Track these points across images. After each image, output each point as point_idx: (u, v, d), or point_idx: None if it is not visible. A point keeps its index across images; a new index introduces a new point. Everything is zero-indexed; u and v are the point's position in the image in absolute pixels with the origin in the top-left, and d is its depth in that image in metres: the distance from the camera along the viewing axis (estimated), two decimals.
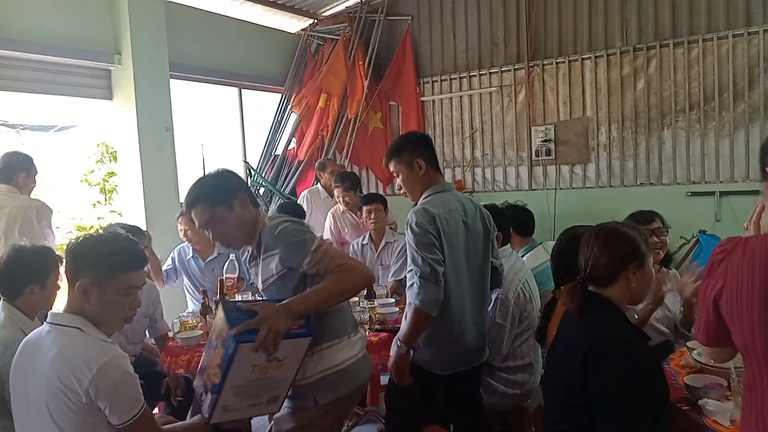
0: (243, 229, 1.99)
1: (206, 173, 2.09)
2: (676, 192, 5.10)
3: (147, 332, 3.24)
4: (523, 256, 3.29)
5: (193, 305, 3.82)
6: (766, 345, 1.25)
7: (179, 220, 3.84)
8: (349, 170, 5.40)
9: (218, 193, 1.96)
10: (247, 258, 2.10)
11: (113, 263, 1.67)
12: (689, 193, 5.05)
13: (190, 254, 3.86)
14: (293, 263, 1.88)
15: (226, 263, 3.29)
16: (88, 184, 7.42)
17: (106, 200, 7.43)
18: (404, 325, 2.30)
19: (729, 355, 1.46)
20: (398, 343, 2.30)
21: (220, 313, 1.78)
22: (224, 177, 2.03)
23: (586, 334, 1.67)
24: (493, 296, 2.63)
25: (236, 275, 3.27)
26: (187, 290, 3.96)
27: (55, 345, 1.61)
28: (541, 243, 3.47)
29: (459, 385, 2.51)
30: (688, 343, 2.33)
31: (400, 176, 2.45)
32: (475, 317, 2.42)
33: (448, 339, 2.34)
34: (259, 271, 1.99)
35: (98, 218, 7.22)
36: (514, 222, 3.35)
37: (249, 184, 6.17)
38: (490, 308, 2.62)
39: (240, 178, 2.12)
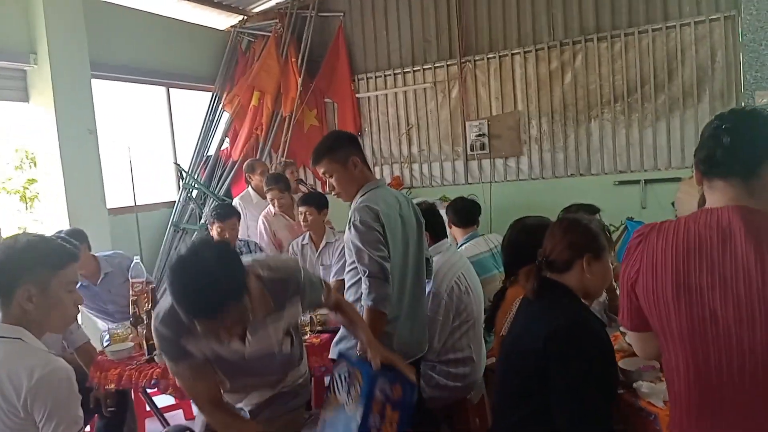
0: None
1: (202, 263, 1.61)
2: (604, 182, 5.30)
3: (64, 344, 3.05)
4: (462, 245, 3.33)
5: (104, 324, 3.57)
6: (680, 326, 1.29)
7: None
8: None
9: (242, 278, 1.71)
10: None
11: (52, 262, 1.60)
12: (617, 182, 5.26)
13: (80, 281, 3.54)
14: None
15: (131, 267, 3.09)
16: (6, 192, 6.99)
17: (27, 208, 7.03)
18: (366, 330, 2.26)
19: (655, 349, 1.47)
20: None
21: (356, 388, 1.79)
22: (230, 256, 1.73)
23: (547, 318, 1.69)
24: (427, 288, 2.63)
25: (144, 278, 3.07)
26: (90, 313, 3.71)
27: None
28: (482, 235, 3.52)
29: None
30: (621, 328, 2.40)
31: (334, 176, 2.38)
32: (414, 309, 2.42)
33: (389, 333, 2.32)
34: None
35: (19, 228, 6.82)
36: (454, 213, 3.43)
37: (181, 187, 5.98)
38: None
39: None
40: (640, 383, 1.85)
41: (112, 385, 2.63)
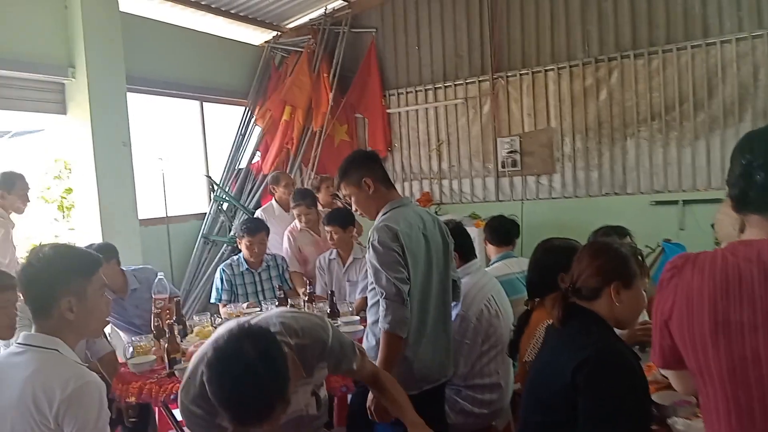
0: None
1: (244, 360, 1.42)
2: (640, 201, 5.15)
3: (87, 354, 3.07)
4: (493, 264, 3.25)
5: (126, 337, 3.60)
6: (719, 367, 1.18)
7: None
8: (308, 185, 5.26)
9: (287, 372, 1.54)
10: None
11: (85, 269, 1.65)
12: (653, 203, 5.10)
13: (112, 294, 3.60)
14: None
15: (155, 283, 3.10)
16: (44, 201, 7.16)
17: (64, 217, 7.19)
18: (379, 354, 2.20)
19: (694, 386, 1.35)
20: None
21: None
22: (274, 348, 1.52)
23: (576, 348, 1.61)
24: (454, 312, 2.56)
25: (167, 295, 3.10)
26: (116, 326, 3.72)
27: (29, 366, 1.53)
28: (516, 256, 3.41)
29: (426, 404, 2.42)
30: None
31: (352, 198, 2.40)
32: (436, 332, 2.35)
33: (410, 357, 2.27)
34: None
35: (55, 236, 6.97)
36: (490, 231, 3.35)
37: (212, 199, 6.03)
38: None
39: None
40: (675, 419, 1.75)
41: (133, 398, 2.62)
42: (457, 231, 2.77)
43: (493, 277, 2.81)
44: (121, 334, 3.74)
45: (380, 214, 2.33)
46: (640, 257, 1.76)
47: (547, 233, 5.49)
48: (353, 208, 2.47)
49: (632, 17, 5.12)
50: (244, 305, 3.58)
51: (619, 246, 1.78)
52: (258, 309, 3.53)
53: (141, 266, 3.81)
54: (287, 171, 6.00)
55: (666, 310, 1.27)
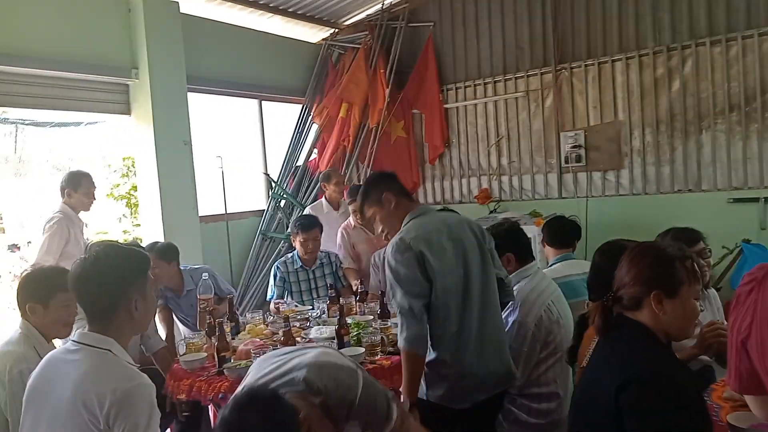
0: None
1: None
2: (716, 199, 4.80)
3: (142, 348, 3.14)
4: (552, 265, 3.09)
5: (185, 331, 3.69)
6: None
7: None
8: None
9: None
10: None
11: (145, 266, 1.69)
12: (731, 200, 4.74)
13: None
14: None
15: (200, 284, 3.18)
16: (113, 199, 7.45)
17: (131, 214, 7.46)
18: (403, 375, 2.14)
19: None
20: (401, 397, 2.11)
21: None
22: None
23: (621, 363, 1.47)
24: (510, 319, 2.42)
25: (212, 295, 3.16)
26: (179, 320, 3.83)
27: (82, 365, 1.56)
28: (575, 258, 3.22)
29: (482, 417, 2.30)
30: None
31: (377, 218, 2.39)
32: (484, 337, 2.23)
33: (458, 368, 2.17)
34: None
35: (123, 232, 7.25)
36: (549, 232, 3.21)
37: (270, 196, 6.08)
38: (507, 330, 2.42)
39: None
40: None
41: (183, 396, 2.63)
42: (513, 232, 2.63)
43: (552, 281, 2.64)
44: (181, 328, 3.83)
45: (402, 227, 2.30)
46: (690, 261, 1.55)
47: (614, 232, 5.21)
48: (380, 229, 2.43)
49: (708, 1, 4.76)
50: (295, 304, 3.57)
51: (663, 249, 1.58)
52: (310, 308, 3.51)
53: (197, 266, 3.90)
54: (343, 168, 5.97)
55: (744, 329, 1.12)
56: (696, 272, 1.54)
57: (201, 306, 3.09)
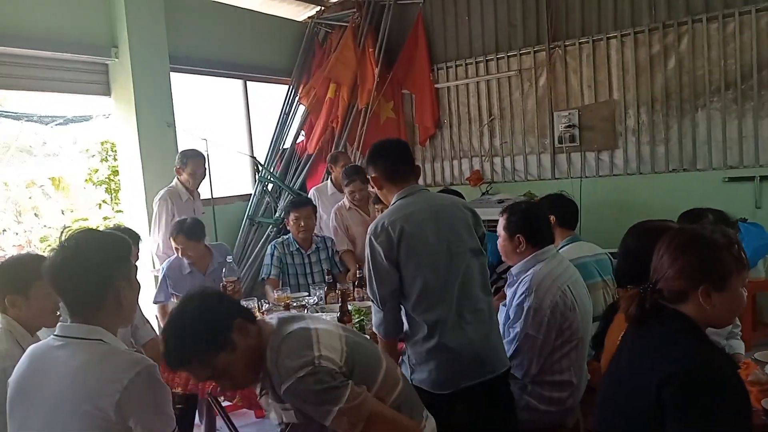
0: (251, 366, 1.64)
1: (180, 315, 1.60)
2: (711, 178, 4.76)
3: (132, 341, 3.01)
4: (563, 248, 2.92)
5: None
6: None
7: (175, 238, 3.55)
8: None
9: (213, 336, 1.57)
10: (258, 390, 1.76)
11: (128, 251, 1.60)
12: (726, 179, 4.70)
13: (188, 269, 3.60)
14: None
15: (225, 268, 3.10)
16: (93, 184, 7.22)
17: (112, 200, 7.24)
18: None
19: None
20: None
21: None
22: (209, 312, 1.60)
23: (663, 356, 1.36)
24: (525, 305, 2.32)
25: (236, 278, 3.13)
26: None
27: (75, 359, 1.47)
28: (581, 241, 3.11)
29: (475, 403, 2.20)
30: (755, 355, 2.02)
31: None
32: (466, 321, 2.15)
33: (439, 351, 2.11)
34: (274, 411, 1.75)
35: (104, 218, 7.03)
36: (558, 211, 2.95)
37: (257, 180, 5.92)
38: (522, 318, 2.33)
39: (222, 303, 1.68)
40: None
41: (179, 389, 2.51)
42: (531, 212, 2.50)
43: (570, 265, 2.50)
44: None
45: None
46: (736, 247, 1.43)
47: (609, 213, 5.19)
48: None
49: None
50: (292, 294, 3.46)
51: (710, 238, 1.45)
52: (306, 294, 3.39)
53: (216, 243, 3.98)
54: (332, 150, 5.82)
55: None
56: (742, 258, 1.43)
57: (229, 288, 3.01)
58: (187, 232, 3.47)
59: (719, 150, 4.77)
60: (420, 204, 2.19)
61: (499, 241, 2.52)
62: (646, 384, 1.33)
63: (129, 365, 1.44)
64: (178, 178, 4.21)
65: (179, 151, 4.34)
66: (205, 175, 4.30)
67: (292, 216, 3.78)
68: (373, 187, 2.40)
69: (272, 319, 1.75)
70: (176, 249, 3.54)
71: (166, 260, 3.69)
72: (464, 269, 2.16)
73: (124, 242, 1.60)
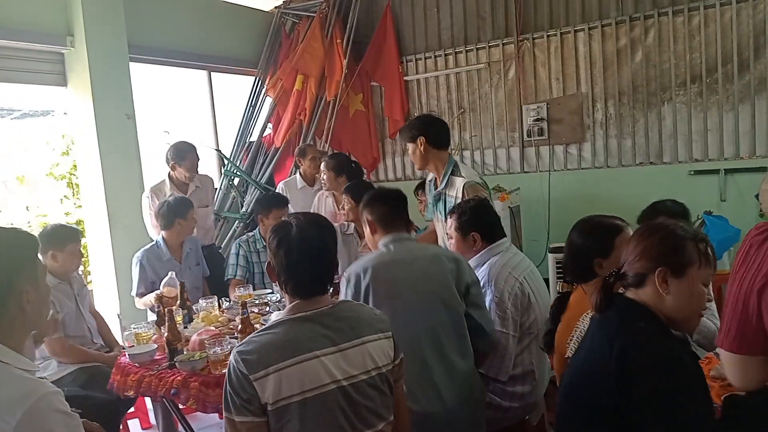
0: None
1: None
2: (677, 171, 4.79)
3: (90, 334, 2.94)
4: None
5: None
6: None
7: (185, 217, 3.57)
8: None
9: None
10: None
11: (30, 251, 1.41)
12: (692, 172, 4.74)
13: (167, 255, 3.52)
14: None
15: (166, 278, 3.03)
16: (53, 178, 6.99)
17: (74, 194, 7.02)
18: None
19: (759, 380, 1.19)
20: None
21: None
22: None
23: (616, 335, 1.38)
24: (487, 300, 2.28)
25: (177, 291, 3.01)
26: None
27: None
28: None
29: None
30: (718, 349, 2.00)
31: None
32: (444, 376, 2.05)
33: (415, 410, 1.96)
34: None
35: (66, 214, 6.81)
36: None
37: (222, 174, 5.79)
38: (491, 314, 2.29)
39: None
40: None
41: (131, 392, 2.41)
42: (481, 209, 2.48)
43: (525, 257, 2.51)
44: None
45: None
46: (704, 245, 1.45)
47: (576, 206, 5.17)
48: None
49: None
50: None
51: (678, 226, 1.49)
52: (269, 291, 3.31)
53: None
54: (299, 143, 5.72)
55: (759, 278, 1.03)
56: (709, 257, 1.43)
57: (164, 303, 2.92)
58: (187, 204, 3.58)
59: (685, 143, 4.80)
60: (400, 253, 2.16)
61: (453, 242, 2.49)
62: (604, 364, 1.34)
63: (24, 395, 1.23)
64: (170, 173, 4.15)
65: (171, 144, 4.23)
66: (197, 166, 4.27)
67: (272, 215, 3.65)
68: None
69: None
70: (183, 230, 3.55)
71: (140, 250, 3.56)
72: (436, 328, 2.08)
73: (29, 239, 1.43)
